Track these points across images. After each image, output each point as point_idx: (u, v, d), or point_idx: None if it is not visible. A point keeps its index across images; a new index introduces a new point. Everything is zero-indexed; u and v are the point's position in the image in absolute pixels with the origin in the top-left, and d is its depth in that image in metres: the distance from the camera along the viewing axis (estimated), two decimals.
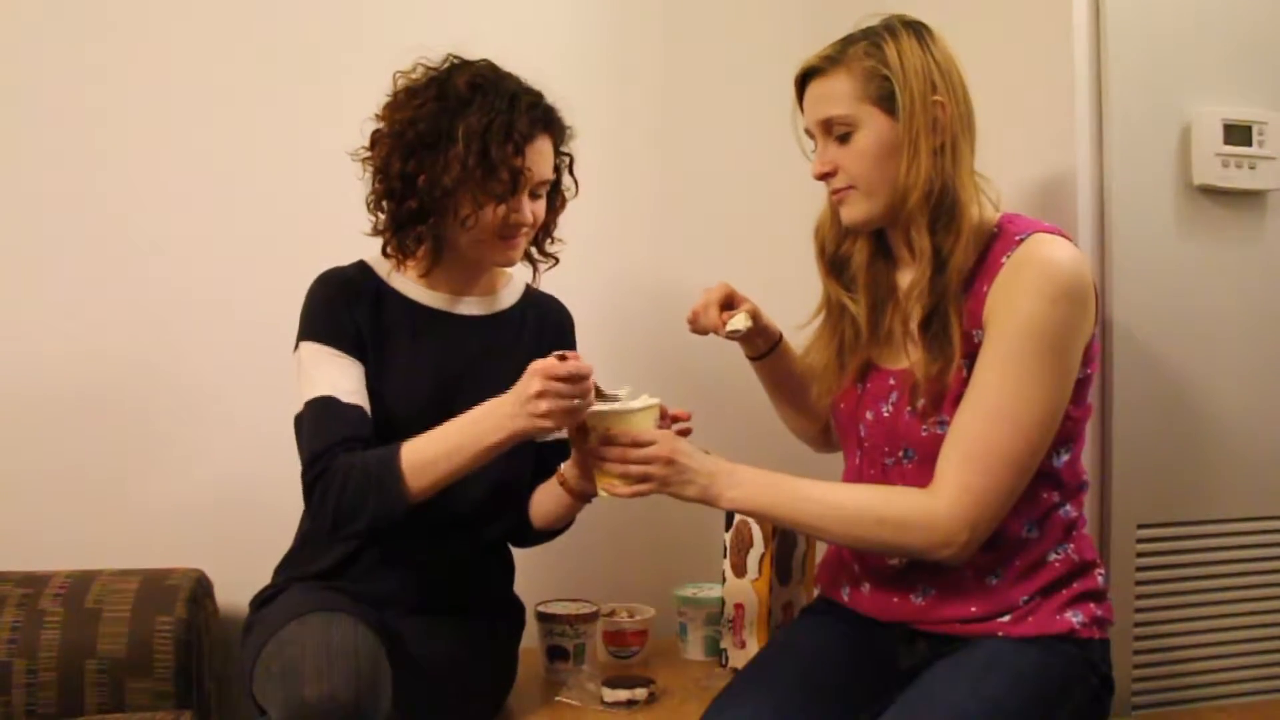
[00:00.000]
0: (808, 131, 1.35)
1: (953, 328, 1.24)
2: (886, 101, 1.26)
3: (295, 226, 1.79)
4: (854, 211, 1.31)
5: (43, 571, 1.67)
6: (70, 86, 1.77)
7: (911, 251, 1.28)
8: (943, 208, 1.25)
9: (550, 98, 1.51)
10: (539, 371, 1.27)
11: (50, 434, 1.76)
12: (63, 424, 1.76)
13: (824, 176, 1.32)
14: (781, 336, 1.54)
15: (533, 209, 1.48)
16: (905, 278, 1.33)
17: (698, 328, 1.51)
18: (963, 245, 1.24)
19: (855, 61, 1.27)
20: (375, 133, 1.47)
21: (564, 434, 1.61)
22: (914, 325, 1.28)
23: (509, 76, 1.48)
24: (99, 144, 1.78)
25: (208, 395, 1.82)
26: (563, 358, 1.27)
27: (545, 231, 1.59)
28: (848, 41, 1.29)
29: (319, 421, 1.38)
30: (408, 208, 1.45)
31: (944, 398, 1.25)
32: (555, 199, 1.58)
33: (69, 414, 1.77)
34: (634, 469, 1.25)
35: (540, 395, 1.26)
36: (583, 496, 1.48)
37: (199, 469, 1.81)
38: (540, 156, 1.47)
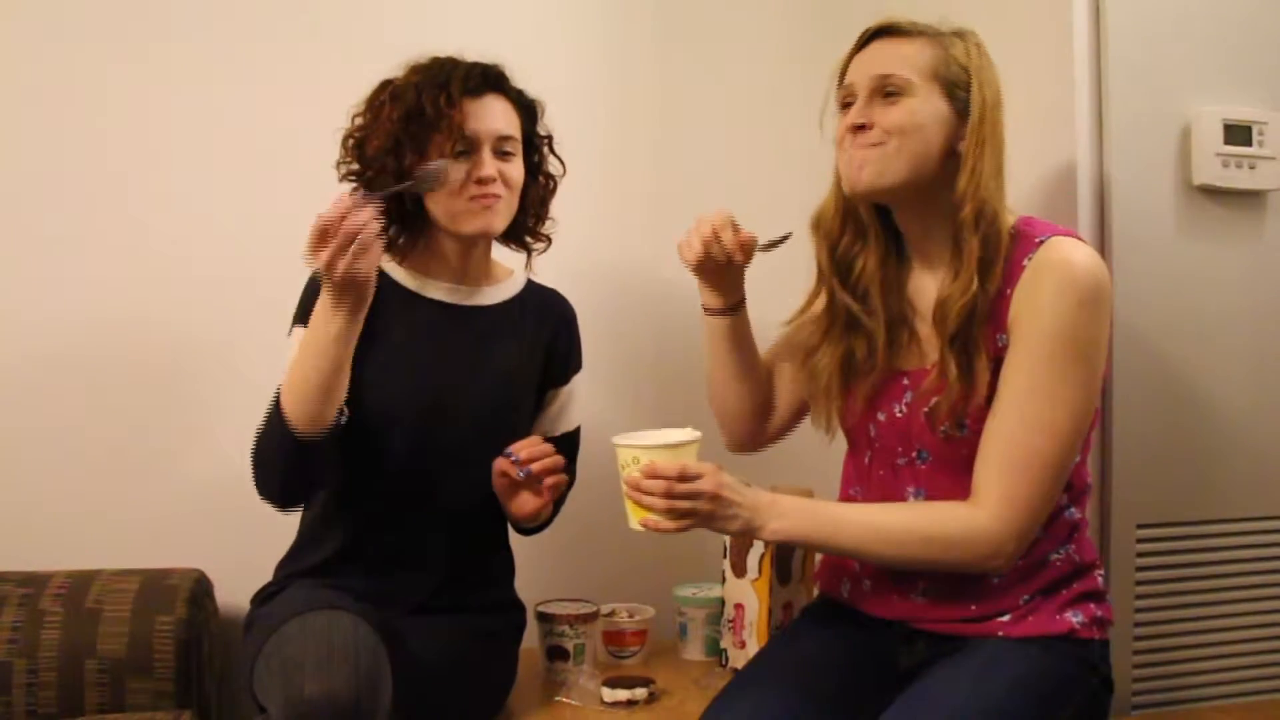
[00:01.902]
0: (847, 93, 1.30)
1: (981, 347, 1.23)
2: (951, 89, 1.25)
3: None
4: (873, 171, 1.25)
5: (43, 571, 1.67)
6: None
7: (954, 254, 1.25)
8: (995, 224, 1.23)
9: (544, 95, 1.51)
10: (315, 234, 1.24)
11: (50, 434, 1.76)
12: (62, 425, 1.76)
13: (858, 129, 1.26)
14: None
15: (500, 168, 1.47)
16: (923, 283, 1.32)
17: (716, 252, 1.34)
18: (1000, 261, 1.23)
19: (938, 39, 1.26)
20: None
21: (561, 430, 1.63)
22: (944, 340, 1.24)
23: (459, 59, 1.49)
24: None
25: (208, 395, 1.82)
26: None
27: (536, 215, 1.59)
28: (928, 24, 1.28)
29: None
30: (367, 182, 1.46)
31: (968, 409, 1.24)
32: (539, 178, 1.58)
33: (69, 415, 1.77)
34: (681, 504, 1.20)
35: (317, 252, 1.24)
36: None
37: (199, 469, 1.81)
38: (488, 111, 1.47)
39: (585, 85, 1.97)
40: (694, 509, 1.20)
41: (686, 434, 1.25)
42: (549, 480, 1.43)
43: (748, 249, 1.34)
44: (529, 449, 1.43)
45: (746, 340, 1.45)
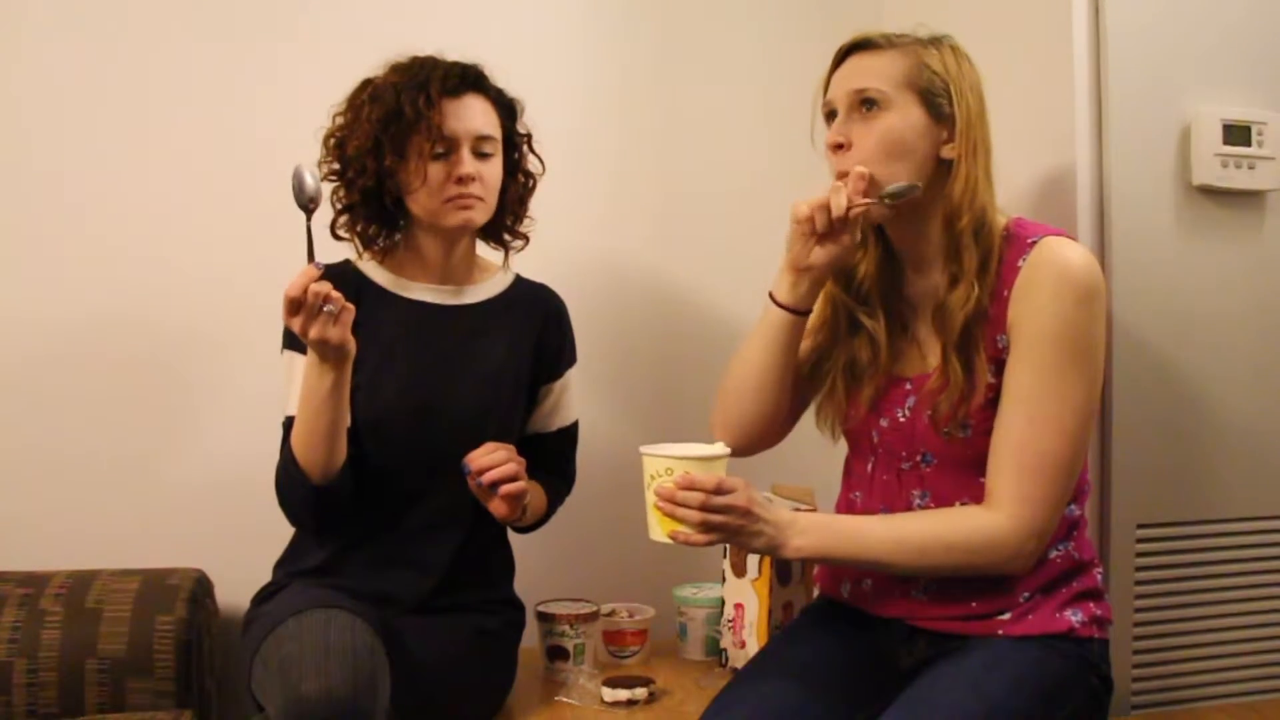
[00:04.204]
0: (829, 109, 1.32)
1: (981, 347, 1.24)
2: (928, 97, 1.25)
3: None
4: (854, 195, 1.25)
5: (43, 571, 1.67)
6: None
7: (948, 257, 1.26)
8: (989, 228, 1.25)
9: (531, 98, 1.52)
10: (285, 307, 1.28)
11: (50, 435, 1.76)
12: (62, 425, 1.77)
13: (836, 147, 1.28)
14: None
15: (478, 167, 1.47)
16: (918, 286, 1.32)
17: (834, 212, 1.24)
18: (994, 263, 1.24)
19: (911, 49, 1.27)
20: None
21: (556, 425, 1.63)
22: (950, 345, 1.25)
23: (439, 58, 1.50)
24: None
25: (207, 395, 1.82)
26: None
27: (514, 214, 1.60)
28: (902, 35, 1.29)
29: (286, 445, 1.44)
30: (348, 181, 1.48)
31: (970, 410, 1.25)
32: (518, 176, 1.58)
33: (69, 415, 1.77)
34: (714, 518, 1.18)
35: (290, 320, 1.29)
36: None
37: (199, 469, 1.81)
38: (468, 111, 1.47)
39: (588, 85, 1.97)
40: (725, 523, 1.19)
41: (718, 448, 1.24)
42: (504, 489, 1.42)
43: (872, 193, 1.24)
44: (481, 459, 1.42)
45: (798, 344, 1.39)
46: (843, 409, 1.37)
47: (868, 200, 1.24)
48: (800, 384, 1.41)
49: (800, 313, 1.33)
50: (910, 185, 1.24)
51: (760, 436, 1.42)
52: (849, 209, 1.23)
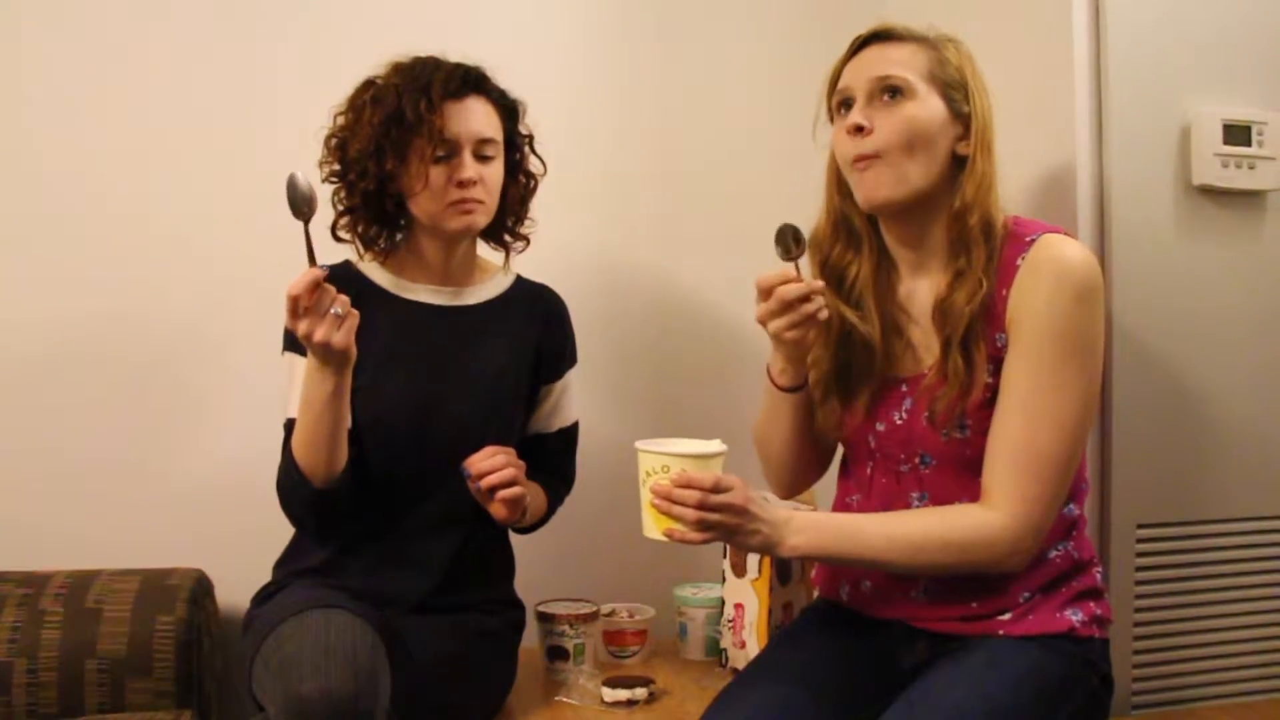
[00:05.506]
0: (843, 96, 1.30)
1: (981, 344, 1.24)
2: (947, 92, 1.26)
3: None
4: (877, 186, 1.26)
5: (43, 571, 1.67)
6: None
7: (950, 256, 1.27)
8: (995, 227, 1.25)
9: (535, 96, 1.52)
10: (289, 308, 1.27)
11: (50, 434, 1.76)
12: (63, 425, 1.76)
13: (857, 129, 1.26)
14: None
15: (480, 170, 1.47)
16: (914, 288, 1.32)
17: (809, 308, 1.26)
18: (995, 262, 1.25)
19: (933, 43, 1.28)
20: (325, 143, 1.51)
21: (557, 426, 1.63)
22: (954, 341, 1.24)
23: (441, 59, 1.49)
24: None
25: (207, 395, 1.82)
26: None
27: (515, 215, 1.60)
28: (921, 31, 1.29)
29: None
30: (349, 184, 1.47)
31: (969, 408, 1.25)
32: (519, 177, 1.58)
33: (69, 415, 1.77)
34: (711, 516, 1.18)
35: (295, 322, 1.27)
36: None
37: (199, 469, 1.81)
38: (469, 114, 1.47)
39: (588, 83, 1.97)
40: (722, 522, 1.18)
41: (716, 445, 1.24)
42: (501, 494, 1.41)
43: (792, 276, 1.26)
44: (481, 463, 1.42)
45: (809, 404, 1.39)
46: (839, 415, 1.37)
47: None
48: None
49: (804, 386, 1.37)
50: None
51: (809, 479, 1.48)
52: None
